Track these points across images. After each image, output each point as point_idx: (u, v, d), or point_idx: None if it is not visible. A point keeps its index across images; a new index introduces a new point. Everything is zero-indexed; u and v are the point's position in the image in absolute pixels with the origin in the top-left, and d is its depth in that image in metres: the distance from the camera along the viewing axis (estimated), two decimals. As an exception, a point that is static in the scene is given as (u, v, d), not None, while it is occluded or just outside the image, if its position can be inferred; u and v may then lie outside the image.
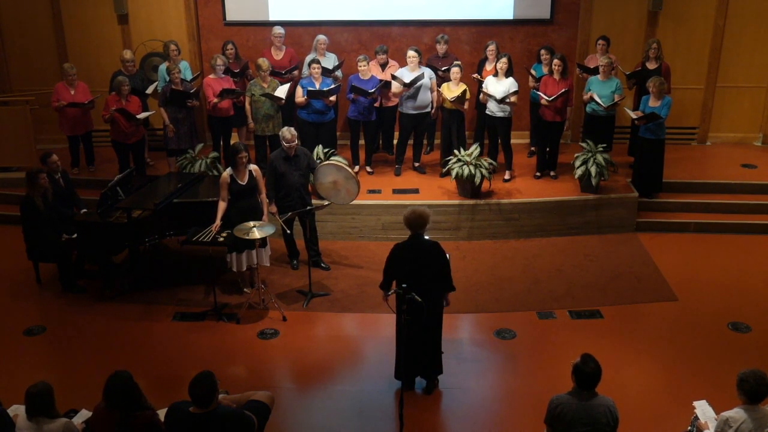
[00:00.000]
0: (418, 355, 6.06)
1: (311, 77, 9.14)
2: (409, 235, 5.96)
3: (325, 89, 8.97)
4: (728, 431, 4.54)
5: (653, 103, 8.75)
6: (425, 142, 10.21)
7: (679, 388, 6.14)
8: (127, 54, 9.72)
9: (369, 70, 9.32)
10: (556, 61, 9.04)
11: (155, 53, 10.33)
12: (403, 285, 5.72)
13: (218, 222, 7.31)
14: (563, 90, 8.95)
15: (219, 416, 4.35)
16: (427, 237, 6.02)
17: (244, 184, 7.39)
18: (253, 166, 7.50)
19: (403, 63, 9.55)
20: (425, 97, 9.30)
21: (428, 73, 9.32)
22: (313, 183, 7.96)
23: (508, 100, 8.97)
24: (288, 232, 7.83)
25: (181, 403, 4.40)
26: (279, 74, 9.48)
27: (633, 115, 8.95)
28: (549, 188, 9.29)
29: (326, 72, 9.33)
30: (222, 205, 7.35)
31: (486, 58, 9.70)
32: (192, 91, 9.24)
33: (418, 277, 5.77)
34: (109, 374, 4.45)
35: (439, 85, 9.35)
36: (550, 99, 8.98)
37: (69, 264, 7.81)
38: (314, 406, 6.17)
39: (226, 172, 7.35)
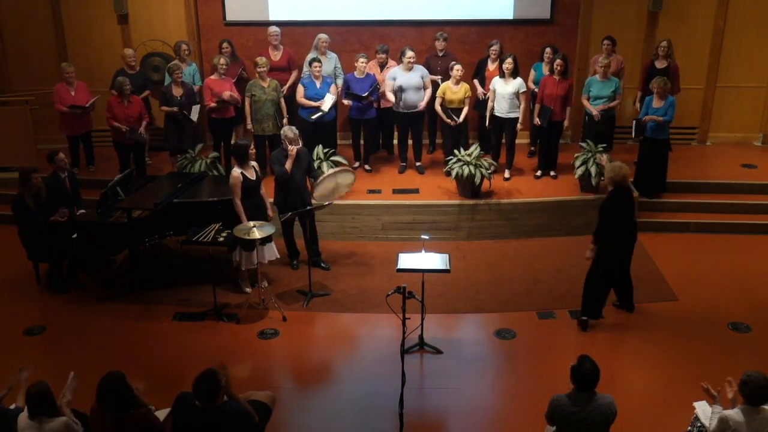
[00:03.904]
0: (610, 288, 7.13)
1: (311, 76, 9.15)
2: (613, 189, 6.85)
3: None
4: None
5: (656, 104, 8.73)
6: (427, 142, 10.20)
7: (679, 388, 6.14)
8: (128, 51, 9.74)
9: (367, 69, 9.32)
10: (558, 61, 9.03)
11: (155, 53, 10.33)
12: (404, 285, 5.75)
13: (246, 221, 7.32)
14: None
15: (221, 413, 4.44)
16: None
17: (254, 179, 7.49)
18: (253, 162, 7.62)
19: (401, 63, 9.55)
20: (416, 96, 9.29)
21: (421, 71, 9.31)
22: (313, 193, 7.92)
23: (518, 104, 9.06)
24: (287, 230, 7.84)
25: (189, 393, 4.50)
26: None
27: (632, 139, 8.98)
28: (549, 188, 9.29)
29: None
30: (240, 205, 7.39)
31: (488, 57, 9.68)
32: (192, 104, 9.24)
33: (626, 224, 6.87)
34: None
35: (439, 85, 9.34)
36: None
37: (61, 264, 7.79)
38: (314, 406, 6.17)
39: (237, 171, 7.38)
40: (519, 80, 9.06)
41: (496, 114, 9.20)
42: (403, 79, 9.21)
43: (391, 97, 9.28)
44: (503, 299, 7.67)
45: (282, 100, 9.28)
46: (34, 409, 4.53)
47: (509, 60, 9.00)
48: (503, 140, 9.41)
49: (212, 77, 9.28)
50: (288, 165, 7.55)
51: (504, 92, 9.04)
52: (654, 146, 8.93)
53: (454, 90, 9.12)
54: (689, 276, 8.06)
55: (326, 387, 6.46)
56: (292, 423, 5.93)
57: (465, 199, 8.95)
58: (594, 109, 9.13)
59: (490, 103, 9.21)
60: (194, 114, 9.22)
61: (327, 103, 9.09)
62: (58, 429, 4.54)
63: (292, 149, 7.54)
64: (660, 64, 9.51)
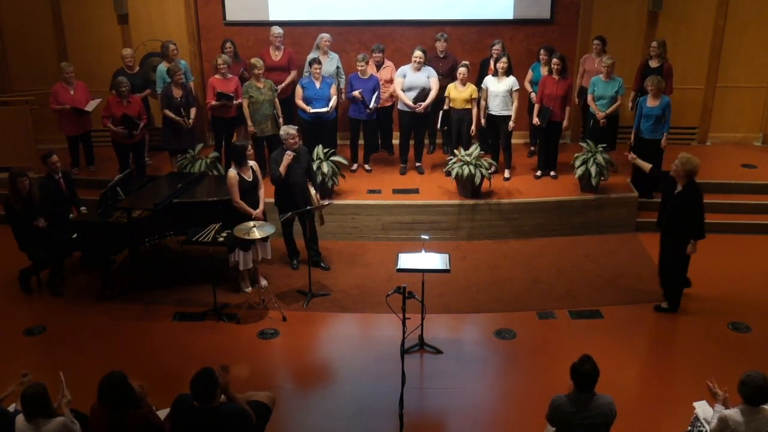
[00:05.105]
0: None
1: (311, 77, 9.14)
2: (687, 183, 6.90)
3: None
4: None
5: (651, 102, 8.73)
6: (427, 141, 10.20)
7: (679, 388, 6.14)
8: (127, 51, 9.73)
9: (368, 70, 9.33)
10: (555, 60, 9.03)
11: (155, 53, 10.31)
12: (404, 285, 5.75)
13: (254, 213, 7.41)
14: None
15: (219, 413, 4.46)
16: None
17: (250, 180, 7.50)
18: (252, 162, 7.65)
19: (400, 63, 9.56)
20: (422, 97, 9.29)
21: (428, 72, 9.32)
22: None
23: (511, 102, 9.04)
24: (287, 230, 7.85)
25: (188, 395, 4.51)
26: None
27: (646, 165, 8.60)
28: (549, 188, 9.29)
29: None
30: (241, 202, 7.43)
31: (491, 57, 9.66)
32: (190, 101, 9.24)
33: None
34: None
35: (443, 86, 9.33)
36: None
37: (39, 267, 7.77)
38: (314, 406, 6.17)
39: (233, 172, 7.39)
40: (512, 78, 9.07)
41: (490, 112, 9.22)
42: (411, 79, 9.24)
43: (401, 95, 9.27)
44: (503, 299, 7.68)
45: (276, 100, 9.25)
46: (31, 411, 4.52)
47: (503, 59, 9.03)
48: (501, 139, 9.41)
49: (216, 77, 9.27)
50: (282, 168, 7.56)
51: (497, 90, 9.07)
52: (651, 146, 8.91)
53: (459, 90, 9.11)
54: (689, 276, 8.04)
55: (326, 387, 6.46)
56: (292, 423, 5.94)
57: (465, 199, 8.95)
58: (599, 112, 9.14)
59: (483, 102, 9.22)
60: (191, 116, 9.23)
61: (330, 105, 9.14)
62: (56, 430, 4.54)
63: (289, 154, 7.54)
64: (653, 64, 9.51)
